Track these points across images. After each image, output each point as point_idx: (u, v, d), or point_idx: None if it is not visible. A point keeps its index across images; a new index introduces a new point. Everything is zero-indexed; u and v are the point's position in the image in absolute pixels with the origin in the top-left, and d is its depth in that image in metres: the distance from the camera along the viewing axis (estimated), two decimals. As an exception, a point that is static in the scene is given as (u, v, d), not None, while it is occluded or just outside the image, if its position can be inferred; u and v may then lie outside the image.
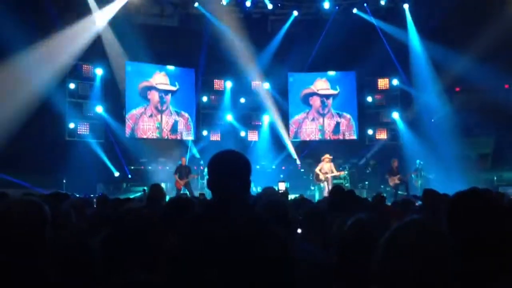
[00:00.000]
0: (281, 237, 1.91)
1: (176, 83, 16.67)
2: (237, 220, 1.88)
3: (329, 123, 17.49)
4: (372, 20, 16.16)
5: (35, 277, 1.85)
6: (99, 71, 15.07)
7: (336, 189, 3.99)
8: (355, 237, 2.14)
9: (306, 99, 17.56)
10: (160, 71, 16.42)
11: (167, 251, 1.89)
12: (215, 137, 16.95)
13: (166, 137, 16.48)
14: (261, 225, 1.92)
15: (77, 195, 10.62)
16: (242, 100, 17.24)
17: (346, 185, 14.40)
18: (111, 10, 14.56)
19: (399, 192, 13.68)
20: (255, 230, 1.87)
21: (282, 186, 8.66)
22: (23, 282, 1.84)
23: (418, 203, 5.82)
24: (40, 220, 2.01)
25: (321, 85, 17.48)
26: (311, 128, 17.56)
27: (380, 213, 3.81)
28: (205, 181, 14.03)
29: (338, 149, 15.82)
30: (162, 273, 1.89)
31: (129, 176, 15.12)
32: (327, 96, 17.47)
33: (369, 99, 17.17)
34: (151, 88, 16.22)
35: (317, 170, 14.24)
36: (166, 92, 16.50)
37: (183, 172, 13.60)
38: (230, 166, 2.03)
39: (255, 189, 13.01)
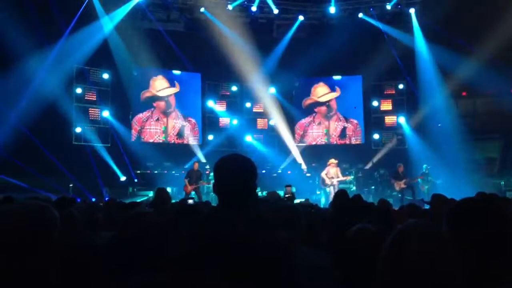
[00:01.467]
0: (284, 241, 1.91)
1: (176, 83, 16.67)
2: (241, 224, 1.89)
3: (335, 128, 17.46)
4: (378, 24, 16.15)
5: (37, 279, 1.86)
6: (105, 76, 15.17)
7: (340, 194, 3.98)
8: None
9: (310, 108, 17.58)
10: (155, 76, 16.43)
11: (170, 253, 1.90)
12: (221, 141, 16.99)
13: (172, 141, 16.52)
14: (264, 229, 1.93)
15: (84, 199, 10.67)
16: (248, 104, 17.29)
17: (352, 189, 14.36)
18: (117, 15, 14.66)
19: (406, 197, 13.61)
20: (258, 234, 1.87)
21: (289, 190, 8.60)
22: (25, 283, 1.85)
23: (426, 207, 5.81)
24: (48, 224, 2.02)
25: (321, 91, 17.45)
26: (317, 132, 17.55)
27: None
28: (211, 186, 14.07)
29: (344, 153, 15.77)
30: (165, 275, 1.90)
31: (135, 180, 15.15)
32: (330, 100, 17.47)
33: (375, 103, 17.14)
34: (154, 98, 16.30)
35: (323, 174, 14.21)
36: (169, 96, 16.55)
37: (193, 177, 13.58)
38: (235, 170, 2.04)
39: (261, 193, 13.01)
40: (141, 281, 1.51)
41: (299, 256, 2.11)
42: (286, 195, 8.65)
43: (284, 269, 1.84)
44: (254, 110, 17.41)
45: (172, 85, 16.66)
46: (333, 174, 14.04)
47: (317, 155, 16.60)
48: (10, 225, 1.97)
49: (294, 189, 11.77)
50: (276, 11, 16.43)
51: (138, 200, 11.90)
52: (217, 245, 1.81)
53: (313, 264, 2.50)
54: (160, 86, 16.46)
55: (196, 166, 13.97)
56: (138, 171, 15.31)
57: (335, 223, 3.52)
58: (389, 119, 17.05)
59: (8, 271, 1.87)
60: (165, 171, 15.19)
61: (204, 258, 1.80)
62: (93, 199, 11.94)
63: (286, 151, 16.93)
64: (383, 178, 15.61)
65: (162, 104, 16.39)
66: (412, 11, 15.96)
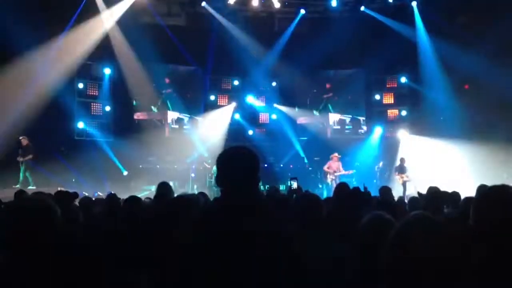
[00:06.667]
0: (287, 233, 1.91)
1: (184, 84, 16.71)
2: (244, 216, 1.89)
3: (336, 121, 17.44)
4: (380, 17, 16.06)
5: (35, 273, 1.87)
6: (107, 71, 15.15)
7: (341, 186, 3.99)
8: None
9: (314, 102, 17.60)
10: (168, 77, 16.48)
11: (174, 246, 1.90)
12: (223, 135, 16.96)
13: (173, 135, 16.48)
14: (268, 221, 1.93)
15: (86, 194, 10.69)
16: (250, 98, 17.27)
17: (354, 183, 14.35)
18: (119, 10, 14.63)
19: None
20: (261, 227, 1.87)
21: (294, 184, 8.56)
22: (23, 277, 1.86)
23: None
24: (49, 218, 2.03)
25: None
26: (319, 126, 17.52)
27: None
28: (213, 180, 13.94)
29: (346, 147, 15.74)
30: (169, 268, 1.91)
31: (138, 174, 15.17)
32: (333, 96, 17.47)
33: (377, 97, 17.10)
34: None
35: (325, 168, 14.22)
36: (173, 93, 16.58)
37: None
38: (238, 161, 2.04)
39: (263, 187, 13.01)
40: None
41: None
42: (293, 188, 8.63)
43: (285, 261, 1.83)
44: (256, 104, 17.39)
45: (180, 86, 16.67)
46: (335, 168, 14.05)
47: (319, 149, 16.59)
48: (13, 218, 1.99)
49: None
50: (277, 4, 16.34)
51: (140, 195, 11.91)
52: (222, 239, 1.81)
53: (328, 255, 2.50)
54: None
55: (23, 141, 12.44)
56: (140, 166, 15.31)
57: (338, 213, 3.53)
58: (392, 112, 17.02)
59: (9, 265, 1.88)
60: (167, 166, 15.20)
61: (209, 252, 1.80)
62: (96, 194, 11.97)
63: (288, 145, 16.91)
64: (381, 172, 15.61)
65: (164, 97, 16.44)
66: (414, 4, 15.87)
